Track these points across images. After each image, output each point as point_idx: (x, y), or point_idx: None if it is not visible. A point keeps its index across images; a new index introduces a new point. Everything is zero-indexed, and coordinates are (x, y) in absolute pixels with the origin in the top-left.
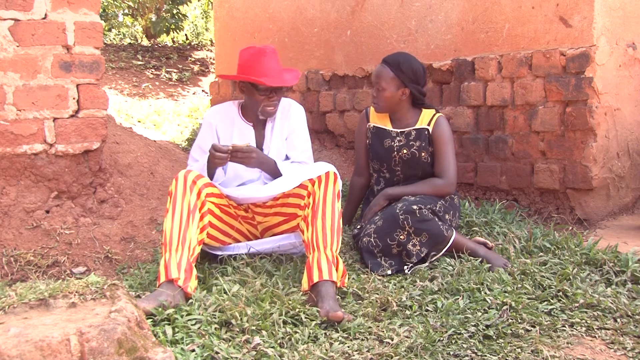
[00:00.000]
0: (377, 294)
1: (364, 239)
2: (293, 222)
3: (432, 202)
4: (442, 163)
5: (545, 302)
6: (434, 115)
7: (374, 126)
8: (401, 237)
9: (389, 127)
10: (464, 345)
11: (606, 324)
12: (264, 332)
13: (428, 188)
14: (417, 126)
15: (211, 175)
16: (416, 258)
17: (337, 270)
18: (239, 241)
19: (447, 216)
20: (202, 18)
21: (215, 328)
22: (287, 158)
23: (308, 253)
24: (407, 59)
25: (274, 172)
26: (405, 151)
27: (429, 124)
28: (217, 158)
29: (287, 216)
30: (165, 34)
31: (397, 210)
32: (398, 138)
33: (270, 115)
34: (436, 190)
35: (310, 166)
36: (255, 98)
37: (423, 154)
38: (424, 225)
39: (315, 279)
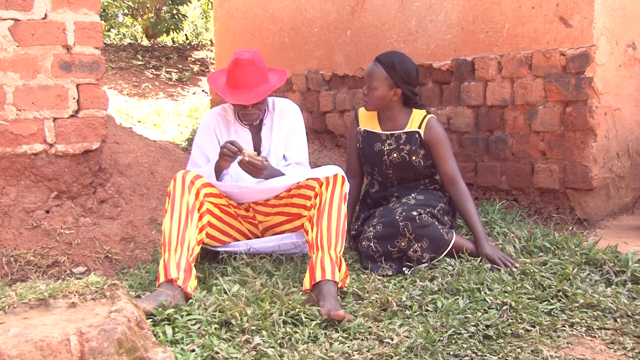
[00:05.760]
0: (377, 294)
1: (364, 243)
2: (297, 222)
3: (432, 204)
4: (449, 167)
5: (545, 302)
6: (425, 116)
7: (364, 130)
8: (402, 243)
9: (377, 129)
10: (464, 345)
11: (606, 324)
12: (264, 332)
13: (471, 204)
14: (407, 129)
15: (218, 174)
16: (417, 263)
17: (339, 271)
18: (239, 241)
19: (446, 217)
20: (202, 18)
21: (215, 328)
22: (284, 158)
23: (311, 253)
24: (401, 59)
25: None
26: (395, 155)
27: (419, 127)
28: (229, 150)
29: (290, 216)
30: (165, 34)
31: (397, 217)
32: (388, 141)
33: (251, 122)
34: (469, 196)
35: (319, 168)
36: (235, 105)
37: (414, 158)
38: (425, 231)
39: (318, 278)
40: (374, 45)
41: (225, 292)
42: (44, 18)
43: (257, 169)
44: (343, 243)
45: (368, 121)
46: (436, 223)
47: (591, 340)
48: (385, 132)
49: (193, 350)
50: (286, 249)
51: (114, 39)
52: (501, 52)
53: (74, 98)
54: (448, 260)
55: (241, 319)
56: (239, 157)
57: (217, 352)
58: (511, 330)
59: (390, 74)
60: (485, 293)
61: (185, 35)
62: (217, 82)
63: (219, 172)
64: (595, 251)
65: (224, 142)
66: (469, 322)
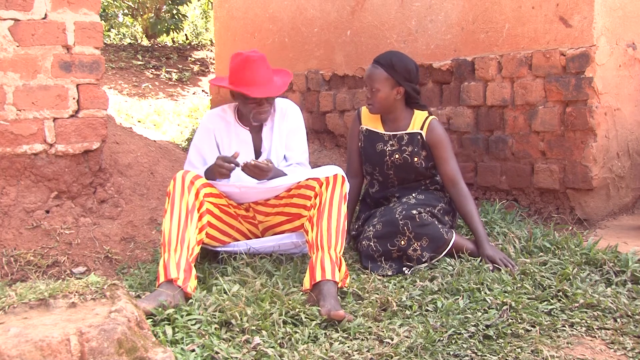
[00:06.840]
0: (377, 294)
1: (364, 242)
2: (297, 222)
3: (432, 204)
4: (451, 168)
5: (545, 302)
6: (427, 118)
7: (366, 129)
8: (401, 242)
9: (380, 129)
10: (464, 345)
11: (606, 324)
12: (264, 332)
13: (472, 205)
14: (410, 130)
15: (212, 178)
16: (417, 262)
17: (339, 271)
18: (239, 241)
19: (446, 217)
20: (202, 18)
21: (215, 328)
22: (284, 159)
23: (312, 253)
24: (399, 58)
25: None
26: (397, 156)
27: (421, 128)
28: (224, 168)
29: (290, 216)
30: (165, 34)
31: (397, 215)
32: (390, 142)
33: (262, 121)
34: (470, 197)
35: (319, 168)
36: (246, 106)
37: (416, 159)
38: (424, 230)
39: (318, 278)
40: (374, 45)
41: (225, 292)
42: (44, 18)
43: (263, 172)
44: (343, 243)
45: (371, 120)
46: (436, 222)
47: (591, 340)
48: (388, 133)
49: (193, 350)
50: (286, 249)
51: (114, 39)
52: (501, 52)
53: (74, 98)
54: (448, 260)
55: (241, 319)
56: (242, 163)
57: (217, 352)
58: (511, 330)
59: (391, 73)
60: (485, 293)
61: (185, 35)
62: (231, 85)
63: (211, 178)
64: (595, 251)
65: (217, 158)
66: (469, 322)
